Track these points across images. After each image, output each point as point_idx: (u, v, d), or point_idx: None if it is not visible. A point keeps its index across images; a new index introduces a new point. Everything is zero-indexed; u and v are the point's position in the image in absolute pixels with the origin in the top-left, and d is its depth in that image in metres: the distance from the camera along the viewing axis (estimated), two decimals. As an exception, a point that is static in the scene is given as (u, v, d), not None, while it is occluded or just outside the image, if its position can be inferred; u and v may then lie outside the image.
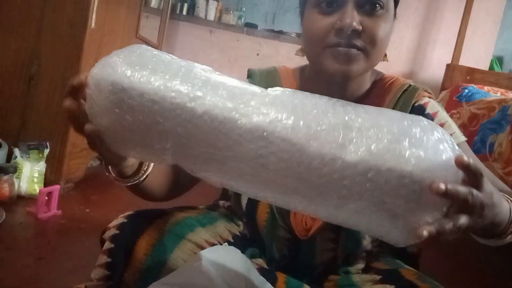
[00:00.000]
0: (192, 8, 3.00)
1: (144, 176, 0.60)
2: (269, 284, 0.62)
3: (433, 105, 0.68)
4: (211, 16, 2.98)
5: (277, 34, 2.98)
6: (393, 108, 0.66)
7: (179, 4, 2.96)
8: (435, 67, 2.95)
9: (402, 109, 0.66)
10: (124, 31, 1.92)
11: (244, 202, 0.72)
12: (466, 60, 2.83)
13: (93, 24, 1.55)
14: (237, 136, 0.42)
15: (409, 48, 2.97)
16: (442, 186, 0.40)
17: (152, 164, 0.60)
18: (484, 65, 2.97)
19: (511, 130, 1.78)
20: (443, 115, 0.68)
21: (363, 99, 0.69)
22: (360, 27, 0.58)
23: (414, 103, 0.68)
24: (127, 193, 1.79)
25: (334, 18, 0.59)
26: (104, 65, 0.47)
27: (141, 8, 2.07)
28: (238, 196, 0.73)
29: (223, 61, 3.01)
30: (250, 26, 3.01)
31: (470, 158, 0.50)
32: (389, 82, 0.70)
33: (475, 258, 1.78)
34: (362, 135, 0.42)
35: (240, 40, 2.99)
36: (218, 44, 3.01)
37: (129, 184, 0.60)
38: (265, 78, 0.75)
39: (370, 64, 0.62)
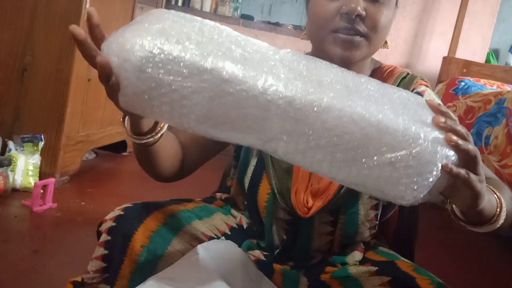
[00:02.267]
0: (187, -1, 2.97)
1: (159, 135, 0.57)
2: (266, 278, 0.62)
3: (429, 94, 0.70)
4: (207, 7, 2.95)
5: (274, 26, 2.95)
6: None
7: (174, -5, 2.93)
8: (431, 60, 2.94)
9: None
10: (119, 23, 1.90)
11: (247, 182, 0.72)
12: (463, 53, 2.83)
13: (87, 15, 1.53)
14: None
15: (406, 40, 2.96)
16: (454, 138, 0.42)
17: (166, 125, 0.58)
18: (480, 58, 2.97)
19: (507, 123, 1.78)
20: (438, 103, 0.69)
21: None
22: (364, 13, 0.60)
23: (412, 90, 0.70)
24: (123, 186, 1.80)
25: (339, 2, 0.61)
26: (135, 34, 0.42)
27: (136, -1, 2.05)
28: (242, 176, 0.73)
29: (219, 53, 2.99)
30: (246, 18, 2.98)
31: None
32: (388, 71, 0.73)
33: (476, 259, 1.80)
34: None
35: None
36: (214, 36, 2.98)
37: (143, 141, 0.57)
38: None
39: (371, 50, 0.64)
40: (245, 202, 0.74)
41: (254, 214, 0.73)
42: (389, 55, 2.94)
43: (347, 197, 0.67)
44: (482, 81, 2.46)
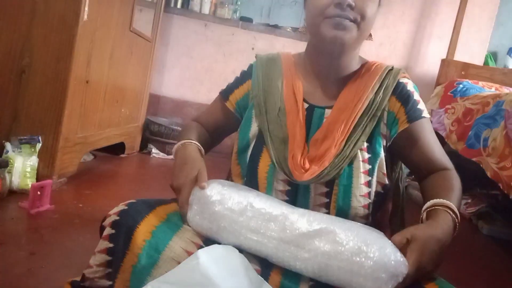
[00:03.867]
0: (186, 1, 2.98)
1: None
2: (266, 283, 0.62)
3: (410, 85, 0.82)
4: (206, 9, 2.96)
5: (273, 28, 2.96)
6: (381, 84, 0.80)
7: (173, -3, 2.93)
8: (430, 62, 2.95)
9: (390, 84, 0.80)
10: (118, 24, 1.90)
11: (247, 157, 0.81)
12: (461, 55, 2.84)
13: (85, 17, 1.53)
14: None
15: (404, 43, 2.97)
16: None
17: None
18: (478, 60, 2.97)
19: (506, 125, 1.78)
20: (417, 94, 0.81)
21: (353, 75, 0.82)
22: (353, 4, 0.72)
23: (398, 80, 0.81)
24: (121, 188, 1.80)
25: None
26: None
27: (135, 0, 2.05)
28: (243, 153, 0.83)
29: (218, 55, 3.00)
30: (245, 20, 2.99)
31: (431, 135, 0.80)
32: (375, 65, 0.83)
33: (470, 257, 1.79)
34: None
35: (235, 34, 2.97)
36: (212, 38, 2.98)
37: None
38: (266, 61, 0.89)
39: (360, 35, 0.75)
40: (245, 179, 0.81)
41: (254, 188, 0.77)
42: (388, 58, 2.94)
43: (341, 167, 0.74)
44: (481, 83, 2.46)
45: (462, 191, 0.74)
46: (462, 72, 2.67)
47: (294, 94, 0.82)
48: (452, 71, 2.69)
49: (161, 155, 2.57)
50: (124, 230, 0.64)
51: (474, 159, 1.97)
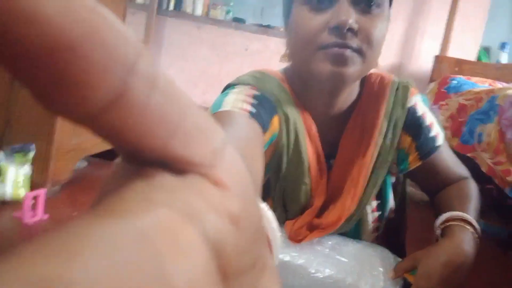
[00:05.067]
0: (179, 3, 2.96)
1: None
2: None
3: (420, 105, 0.67)
4: (199, 11, 2.95)
5: (266, 29, 2.95)
6: (390, 114, 0.64)
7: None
8: (423, 59, 2.95)
9: (399, 118, 0.64)
10: (109, 29, 1.89)
11: None
12: (454, 52, 2.84)
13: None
14: None
15: (397, 40, 2.97)
16: None
17: None
18: (472, 56, 2.98)
19: (499, 120, 1.79)
20: (429, 115, 0.68)
21: (356, 105, 0.66)
22: (357, 26, 0.53)
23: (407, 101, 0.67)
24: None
25: (327, 15, 0.54)
26: None
27: (126, 5, 2.04)
28: None
29: (212, 57, 2.99)
30: (238, 21, 2.98)
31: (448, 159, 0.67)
32: (377, 82, 0.67)
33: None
34: None
35: (228, 35, 2.96)
36: (206, 40, 2.98)
37: None
38: (279, 94, 0.63)
39: (365, 68, 0.57)
40: None
41: None
42: (381, 56, 2.94)
43: (350, 227, 0.66)
44: (474, 79, 2.46)
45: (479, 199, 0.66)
46: (456, 68, 2.68)
47: (316, 148, 0.64)
48: (445, 68, 2.69)
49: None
50: None
51: (469, 154, 1.97)
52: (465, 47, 2.97)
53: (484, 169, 1.81)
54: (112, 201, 0.11)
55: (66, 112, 0.11)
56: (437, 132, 0.67)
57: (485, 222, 2.24)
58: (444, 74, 2.64)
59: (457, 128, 2.13)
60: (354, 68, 0.55)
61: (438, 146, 0.66)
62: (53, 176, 1.57)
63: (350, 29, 0.53)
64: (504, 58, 3.10)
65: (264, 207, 0.24)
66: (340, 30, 0.52)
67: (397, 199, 0.76)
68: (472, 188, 0.68)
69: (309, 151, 0.63)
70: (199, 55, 2.99)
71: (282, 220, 0.66)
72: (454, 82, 2.38)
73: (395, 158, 0.67)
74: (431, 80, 2.70)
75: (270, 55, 2.94)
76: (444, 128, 2.30)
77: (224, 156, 0.13)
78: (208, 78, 3.01)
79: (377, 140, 0.63)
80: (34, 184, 1.51)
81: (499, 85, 2.43)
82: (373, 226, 0.68)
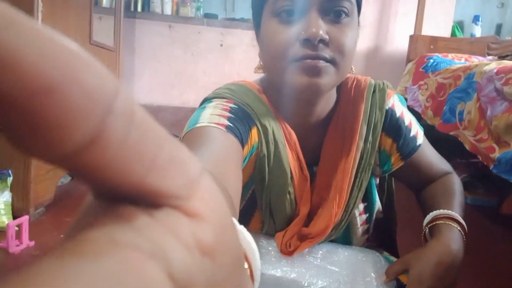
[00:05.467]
0: (147, 3, 2.88)
1: None
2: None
3: (398, 106, 0.67)
4: (168, 10, 2.87)
5: (239, 23, 2.90)
6: (369, 117, 0.64)
7: (132, 1, 2.83)
8: (399, 40, 2.96)
9: (378, 120, 0.65)
10: (76, 39, 1.81)
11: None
12: (429, 30, 2.85)
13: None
14: None
15: (371, 23, 2.96)
16: None
17: None
18: (446, 32, 3.00)
19: (478, 98, 1.80)
20: (407, 114, 0.68)
21: (334, 112, 0.66)
22: (327, 37, 0.53)
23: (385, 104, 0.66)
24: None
25: (297, 28, 0.54)
26: None
27: (92, 9, 1.96)
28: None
29: (186, 56, 2.93)
30: (210, 17, 2.92)
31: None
32: (353, 87, 0.67)
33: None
34: None
35: (201, 32, 2.90)
36: (178, 39, 2.91)
37: None
38: (258, 108, 0.62)
39: (339, 77, 0.57)
40: None
41: None
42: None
43: (338, 233, 0.66)
44: (450, 55, 2.48)
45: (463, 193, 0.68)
46: (431, 46, 2.69)
47: (297, 156, 0.64)
48: (421, 46, 2.70)
49: (141, 165, 2.52)
50: None
51: (451, 133, 2.00)
52: (438, 24, 2.99)
53: (467, 146, 1.83)
54: (80, 240, 0.11)
55: (40, 155, 0.11)
56: (417, 130, 0.68)
57: (472, 196, 2.29)
58: (420, 53, 2.65)
59: (438, 108, 2.15)
60: (328, 78, 0.55)
61: (419, 145, 0.68)
62: (35, 199, 1.52)
63: (321, 40, 0.53)
64: (477, 31, 3.14)
65: (243, 229, 0.23)
66: (311, 42, 0.53)
67: (385, 197, 0.76)
68: (456, 183, 0.69)
69: (290, 160, 0.63)
70: (172, 55, 2.92)
71: (272, 232, 0.66)
72: (431, 61, 2.39)
73: (378, 160, 0.67)
74: (408, 60, 2.71)
75: (246, 49, 2.90)
76: (425, 107, 2.31)
77: (200, 186, 0.13)
78: (184, 78, 2.95)
79: (358, 144, 0.63)
80: (16, 210, 1.46)
81: (475, 59, 2.45)
82: (362, 229, 0.69)
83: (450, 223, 0.60)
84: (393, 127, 0.66)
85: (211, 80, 2.92)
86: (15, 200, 1.47)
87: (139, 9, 2.86)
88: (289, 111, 0.64)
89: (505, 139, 1.55)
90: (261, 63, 0.63)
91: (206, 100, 0.62)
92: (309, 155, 0.66)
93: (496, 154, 1.60)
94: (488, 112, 1.68)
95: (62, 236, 1.40)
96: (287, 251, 0.63)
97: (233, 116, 0.57)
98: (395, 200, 0.78)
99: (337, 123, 0.65)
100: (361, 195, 0.65)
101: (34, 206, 1.52)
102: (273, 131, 0.62)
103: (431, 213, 0.63)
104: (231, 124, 0.55)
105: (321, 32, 0.52)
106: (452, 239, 0.58)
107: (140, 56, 2.90)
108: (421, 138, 0.68)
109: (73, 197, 1.85)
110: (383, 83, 0.68)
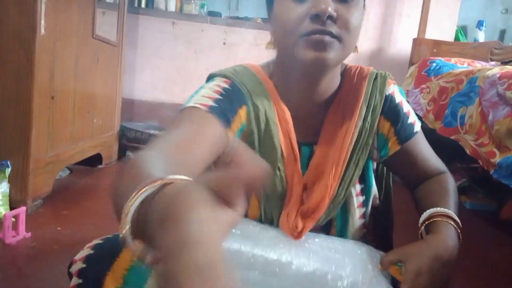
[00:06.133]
0: (151, 0, 2.88)
1: None
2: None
3: (398, 94, 0.71)
4: (172, 7, 2.87)
5: (242, 21, 2.90)
6: (369, 99, 0.68)
7: (137, -4, 2.83)
8: (402, 42, 2.95)
9: (377, 103, 0.69)
10: (79, 32, 1.81)
11: None
12: (432, 33, 2.85)
13: (42, 31, 1.45)
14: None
15: (375, 24, 2.96)
16: None
17: None
18: (449, 36, 2.99)
19: (480, 102, 1.80)
20: (405, 104, 0.72)
21: (336, 95, 0.70)
22: (335, 14, 0.58)
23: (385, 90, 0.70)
24: (100, 204, 1.74)
25: (308, 5, 0.58)
26: None
27: (95, 3, 1.95)
28: None
29: (189, 53, 2.92)
30: (214, 15, 2.92)
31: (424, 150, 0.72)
32: (356, 73, 0.71)
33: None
34: None
35: (204, 30, 2.90)
36: (181, 36, 2.90)
37: None
38: (252, 87, 0.68)
39: (344, 53, 0.62)
40: None
41: None
42: (360, 42, 2.92)
43: (336, 210, 0.68)
44: (453, 60, 2.47)
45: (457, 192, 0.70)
46: (434, 50, 2.68)
47: (288, 134, 0.67)
48: (424, 50, 2.69)
49: (141, 161, 2.51)
50: (92, 279, 0.59)
51: (452, 137, 1.99)
52: (442, 28, 2.98)
53: (468, 151, 1.83)
54: None
55: None
56: (414, 120, 0.71)
57: (472, 201, 2.28)
58: (423, 56, 2.65)
59: (440, 111, 2.14)
60: (334, 53, 0.59)
61: (416, 132, 0.71)
62: (33, 191, 1.51)
63: (329, 17, 0.57)
64: (481, 36, 3.13)
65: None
66: (320, 18, 0.57)
67: (383, 195, 0.78)
68: (451, 183, 0.71)
69: (281, 138, 0.66)
70: (175, 52, 2.92)
71: (269, 216, 0.67)
72: (434, 64, 2.38)
73: (376, 143, 0.70)
74: (411, 63, 2.70)
75: (249, 47, 2.89)
76: (427, 111, 2.31)
77: None
78: (186, 74, 2.95)
79: (357, 123, 0.67)
80: (13, 201, 1.46)
81: (478, 64, 2.45)
82: (359, 212, 0.70)
83: (447, 220, 0.61)
84: (392, 111, 0.69)
85: (213, 78, 2.91)
86: (13, 192, 1.46)
87: (143, 5, 2.86)
88: (293, 90, 0.68)
89: (506, 144, 1.54)
90: (272, 39, 0.67)
91: (211, 77, 0.69)
92: (310, 135, 0.69)
93: (497, 159, 1.59)
94: (490, 117, 1.67)
95: (59, 228, 1.40)
96: (296, 234, 0.64)
97: (221, 97, 0.62)
98: (393, 199, 0.79)
99: (339, 104, 0.69)
100: (357, 172, 0.67)
101: (32, 198, 1.51)
102: (265, 110, 0.66)
103: (428, 210, 0.64)
104: (215, 105, 0.60)
105: (329, 8, 0.56)
106: (449, 236, 0.59)
107: (143, 52, 2.90)
108: (418, 127, 0.71)
109: (71, 191, 1.84)
110: (385, 73, 0.72)
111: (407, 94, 2.48)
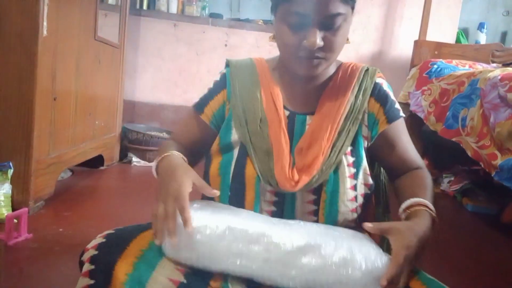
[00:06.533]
0: (152, 2, 2.89)
1: None
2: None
3: (386, 85, 0.83)
4: (173, 8, 2.88)
5: (244, 23, 2.90)
6: (360, 86, 0.81)
7: (138, -1, 2.84)
8: (403, 44, 2.95)
9: (368, 86, 0.81)
10: (81, 34, 1.82)
11: (231, 169, 0.77)
12: (433, 35, 2.85)
13: (45, 32, 1.45)
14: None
15: (376, 27, 2.96)
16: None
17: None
18: (450, 39, 2.99)
19: (482, 104, 1.79)
20: (392, 94, 0.83)
21: (331, 79, 0.82)
22: (322, 43, 0.70)
23: (373, 81, 0.82)
24: (102, 205, 1.75)
25: (301, 35, 0.71)
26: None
27: (97, 5, 1.96)
28: (228, 161, 0.79)
29: (190, 54, 2.93)
30: (215, 17, 2.92)
31: (409, 149, 0.85)
32: (350, 66, 0.84)
33: (455, 240, 1.82)
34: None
35: (206, 32, 2.90)
36: (183, 38, 2.91)
37: None
38: (240, 69, 0.85)
39: (331, 61, 0.76)
40: (228, 192, 0.77)
41: (240, 201, 0.76)
42: (361, 44, 2.93)
43: (328, 173, 0.75)
44: (454, 62, 2.47)
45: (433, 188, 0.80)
46: (435, 52, 2.68)
47: (274, 102, 0.81)
48: (425, 52, 2.70)
49: (142, 163, 2.52)
50: (103, 264, 0.62)
51: (453, 139, 1.98)
52: (443, 30, 2.98)
53: (469, 153, 1.82)
54: None
55: None
56: (400, 108, 0.83)
57: (473, 204, 2.28)
58: (424, 59, 2.65)
59: (441, 113, 2.14)
60: (321, 68, 0.75)
61: (402, 116, 0.82)
62: (35, 193, 1.52)
63: (318, 47, 0.70)
64: (482, 39, 3.13)
65: None
66: (310, 48, 0.70)
67: (381, 194, 0.87)
68: (428, 177, 0.81)
69: (265, 104, 0.80)
70: (176, 54, 2.92)
71: (266, 174, 0.75)
72: (435, 66, 2.38)
73: (366, 121, 0.81)
74: (412, 65, 2.70)
75: (250, 49, 2.90)
76: (428, 113, 2.31)
77: None
78: (188, 76, 2.96)
79: (350, 98, 0.79)
80: (15, 203, 1.46)
81: (479, 66, 2.44)
82: (350, 183, 0.76)
83: (427, 209, 0.71)
84: (381, 95, 0.82)
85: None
86: (15, 193, 1.47)
87: (144, 6, 2.87)
88: (292, 78, 0.82)
89: (507, 146, 1.54)
90: (275, 38, 0.78)
91: (227, 64, 0.87)
92: (307, 107, 0.81)
93: (498, 161, 1.59)
94: (491, 119, 1.67)
95: (60, 229, 1.40)
96: (292, 184, 0.73)
97: (207, 93, 0.86)
98: (389, 199, 0.87)
99: (334, 85, 0.82)
100: (348, 142, 0.78)
101: (34, 200, 1.51)
102: (248, 88, 0.82)
103: (411, 199, 0.74)
104: (198, 101, 0.87)
105: (318, 41, 0.69)
106: (429, 223, 0.69)
107: (144, 53, 2.90)
108: (403, 114, 0.83)
109: (73, 192, 1.85)
110: (375, 68, 0.84)
111: (408, 96, 2.48)
